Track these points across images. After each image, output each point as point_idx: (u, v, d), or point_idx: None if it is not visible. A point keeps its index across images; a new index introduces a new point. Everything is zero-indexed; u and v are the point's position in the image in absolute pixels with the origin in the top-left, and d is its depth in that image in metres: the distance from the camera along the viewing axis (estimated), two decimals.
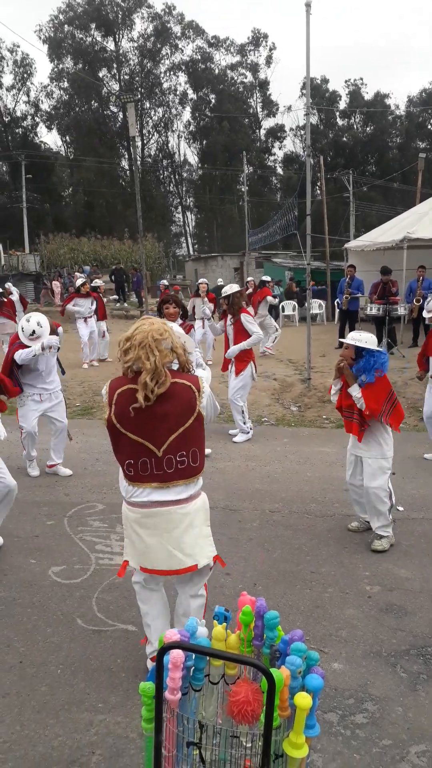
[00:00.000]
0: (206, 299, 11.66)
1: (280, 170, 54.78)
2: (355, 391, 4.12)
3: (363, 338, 4.19)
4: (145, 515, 2.67)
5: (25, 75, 47.71)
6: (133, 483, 2.68)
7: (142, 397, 2.52)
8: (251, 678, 1.80)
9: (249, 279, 16.59)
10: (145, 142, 52.04)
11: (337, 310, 15.43)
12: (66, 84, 48.78)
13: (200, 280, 12.79)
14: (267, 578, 3.86)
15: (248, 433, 7.07)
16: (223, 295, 6.97)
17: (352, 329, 13.21)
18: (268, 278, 14.47)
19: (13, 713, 2.68)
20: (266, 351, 12.93)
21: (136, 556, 2.76)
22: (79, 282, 12.43)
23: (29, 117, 49.36)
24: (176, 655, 1.65)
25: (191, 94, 52.08)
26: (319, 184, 25.44)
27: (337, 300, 14.22)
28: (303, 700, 1.58)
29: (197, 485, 2.74)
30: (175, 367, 2.71)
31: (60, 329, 5.95)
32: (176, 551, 2.66)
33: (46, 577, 3.91)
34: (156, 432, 2.60)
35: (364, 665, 3.01)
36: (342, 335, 13.32)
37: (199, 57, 51.36)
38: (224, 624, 1.93)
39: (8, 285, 14.63)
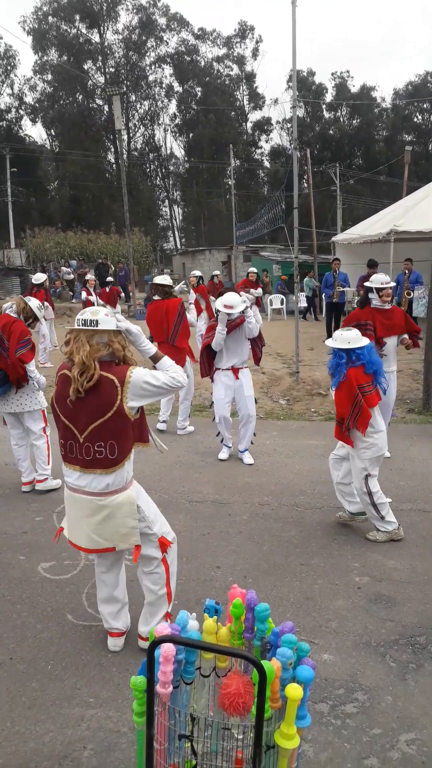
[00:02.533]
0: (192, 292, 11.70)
1: (266, 163, 54.75)
2: (332, 395, 4.23)
3: (335, 336, 4.18)
4: (71, 497, 2.89)
5: (9, 67, 47.25)
6: (65, 462, 2.88)
7: (72, 391, 2.69)
8: (242, 670, 1.80)
9: (216, 273, 16.43)
10: (131, 135, 51.71)
11: (324, 303, 15.43)
12: (50, 76, 48.29)
13: (193, 272, 12.79)
14: (257, 571, 3.88)
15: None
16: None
17: (338, 321, 13.28)
18: (253, 269, 14.35)
19: (3, 710, 2.67)
20: None
21: (67, 527, 2.98)
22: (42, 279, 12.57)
23: (13, 110, 48.88)
24: (167, 648, 1.65)
25: (177, 87, 51.83)
26: (306, 177, 25.39)
27: (324, 293, 14.21)
28: (294, 691, 1.59)
29: (119, 478, 2.82)
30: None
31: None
32: (93, 535, 2.83)
33: (36, 573, 3.90)
34: (79, 419, 2.75)
35: (354, 655, 3.03)
36: (330, 328, 13.38)
37: (185, 49, 51.06)
38: (215, 617, 1.93)
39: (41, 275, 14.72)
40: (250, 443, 6.10)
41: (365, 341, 4.15)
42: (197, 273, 12.50)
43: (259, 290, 13.68)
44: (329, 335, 13.40)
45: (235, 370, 5.94)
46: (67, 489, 2.91)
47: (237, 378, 5.94)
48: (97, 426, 2.72)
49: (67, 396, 2.73)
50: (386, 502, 4.24)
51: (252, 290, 12.95)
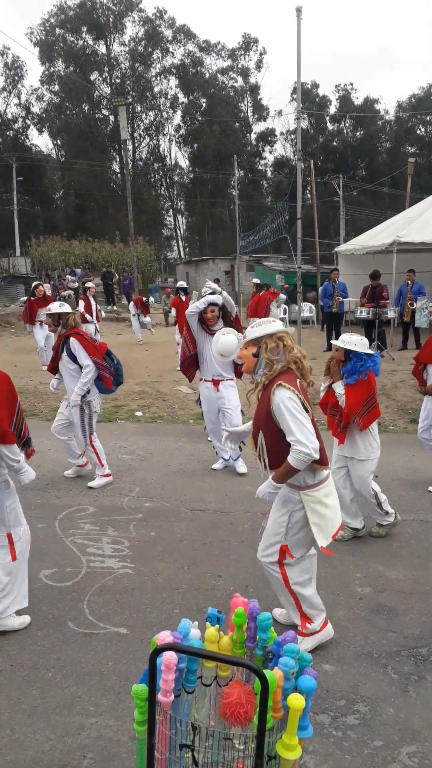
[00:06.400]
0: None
1: (270, 174, 55.00)
2: (339, 388, 4.30)
3: (353, 341, 4.24)
4: (328, 483, 3.03)
5: (16, 77, 47.64)
6: (324, 466, 2.99)
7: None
8: (244, 680, 1.80)
9: (281, 276, 16.79)
10: (136, 145, 52.04)
11: (321, 314, 15.58)
12: (57, 87, 48.70)
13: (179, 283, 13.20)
14: (259, 580, 3.86)
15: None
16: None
17: (338, 331, 13.32)
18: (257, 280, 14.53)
19: (3, 717, 2.66)
20: None
21: (329, 530, 2.97)
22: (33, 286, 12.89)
23: (20, 120, 49.30)
24: (169, 657, 1.65)
25: (182, 98, 52.20)
26: (309, 188, 25.52)
27: (321, 304, 14.30)
28: (296, 701, 1.58)
29: None
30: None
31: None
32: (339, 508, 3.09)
33: (37, 579, 3.89)
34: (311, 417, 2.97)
35: (356, 666, 3.01)
36: (330, 338, 13.41)
37: (190, 61, 51.46)
38: (217, 626, 1.93)
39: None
40: (240, 450, 5.74)
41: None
42: (180, 284, 12.89)
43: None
44: (329, 346, 13.46)
45: (216, 382, 5.74)
46: (323, 486, 2.99)
47: (218, 390, 5.73)
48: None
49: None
50: (385, 498, 4.46)
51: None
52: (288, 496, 3.02)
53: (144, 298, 16.52)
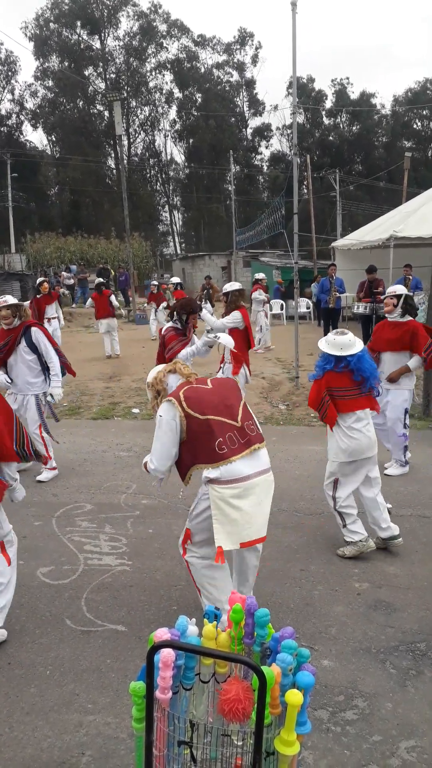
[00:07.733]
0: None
1: (266, 169, 54.90)
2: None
3: (327, 339, 4.22)
4: (246, 488, 2.88)
5: (10, 73, 47.41)
6: (226, 460, 2.89)
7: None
8: (242, 676, 1.79)
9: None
10: (131, 140, 51.85)
11: (318, 309, 15.61)
12: (51, 82, 48.46)
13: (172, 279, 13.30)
14: (256, 576, 3.86)
15: None
16: (223, 291, 7.06)
17: (335, 327, 13.33)
18: (261, 275, 14.53)
19: (1, 715, 2.65)
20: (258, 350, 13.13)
21: (235, 534, 2.87)
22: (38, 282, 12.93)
23: (14, 115, 49.00)
24: (167, 654, 1.65)
25: (177, 93, 52.02)
26: (305, 183, 25.48)
27: (316, 298, 14.34)
28: (294, 697, 1.58)
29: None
30: None
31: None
32: (263, 518, 2.95)
33: (35, 578, 3.88)
34: (230, 408, 3.02)
35: (354, 662, 3.02)
36: (327, 333, 13.43)
37: (185, 56, 51.27)
38: (215, 622, 1.92)
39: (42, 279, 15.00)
40: None
41: (357, 348, 4.09)
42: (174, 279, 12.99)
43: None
44: None
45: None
46: (236, 485, 2.87)
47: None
48: (244, 407, 3.09)
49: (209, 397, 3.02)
50: (353, 514, 4.13)
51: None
52: (202, 484, 3.02)
53: (156, 287, 16.36)
